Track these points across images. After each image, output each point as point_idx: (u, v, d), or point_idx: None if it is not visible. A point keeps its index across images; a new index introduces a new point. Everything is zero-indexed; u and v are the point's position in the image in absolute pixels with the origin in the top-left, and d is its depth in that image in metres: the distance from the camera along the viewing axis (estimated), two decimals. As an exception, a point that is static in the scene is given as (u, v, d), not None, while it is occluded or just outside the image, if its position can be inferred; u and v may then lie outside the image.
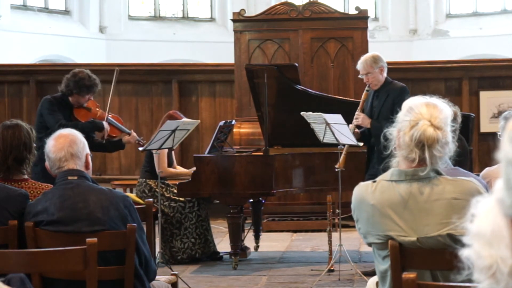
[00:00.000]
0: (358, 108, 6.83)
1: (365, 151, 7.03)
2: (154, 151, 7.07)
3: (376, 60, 6.79)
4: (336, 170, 6.63)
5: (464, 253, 1.36)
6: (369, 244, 3.05)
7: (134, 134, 7.37)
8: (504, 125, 4.77)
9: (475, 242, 1.34)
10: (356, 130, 6.82)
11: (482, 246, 1.33)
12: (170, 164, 7.69)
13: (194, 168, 7.21)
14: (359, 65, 6.84)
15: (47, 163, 3.70)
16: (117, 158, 10.92)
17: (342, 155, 6.65)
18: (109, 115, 7.27)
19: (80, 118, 7.09)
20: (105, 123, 7.11)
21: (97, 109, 7.26)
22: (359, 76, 6.90)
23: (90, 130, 6.92)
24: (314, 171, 7.31)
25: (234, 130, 8.96)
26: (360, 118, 6.79)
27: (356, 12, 9.62)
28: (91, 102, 7.21)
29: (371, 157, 6.85)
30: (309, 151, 7.38)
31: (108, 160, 10.91)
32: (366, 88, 6.83)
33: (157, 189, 7.27)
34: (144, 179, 7.58)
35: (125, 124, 10.79)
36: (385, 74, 6.85)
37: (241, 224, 7.38)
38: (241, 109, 9.51)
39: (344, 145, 6.66)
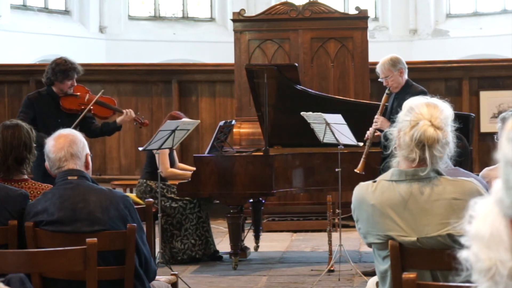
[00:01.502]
0: (378, 111, 6.67)
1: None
2: (154, 151, 7.07)
3: (394, 62, 6.64)
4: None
5: (462, 254, 1.36)
6: (369, 244, 3.05)
7: (129, 112, 7.09)
8: (502, 126, 4.77)
9: (473, 244, 1.34)
10: (378, 133, 6.67)
11: (481, 249, 1.32)
12: (172, 164, 7.69)
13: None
14: (378, 69, 6.69)
15: (47, 163, 3.70)
16: (117, 158, 10.93)
17: (362, 159, 6.57)
18: (99, 98, 7.05)
19: (68, 106, 6.94)
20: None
21: (86, 94, 7.06)
22: (379, 79, 6.78)
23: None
24: (314, 171, 7.31)
25: (234, 130, 8.96)
26: (379, 121, 6.62)
27: (356, 12, 9.61)
28: (78, 88, 7.04)
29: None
30: (309, 151, 7.37)
31: (108, 160, 10.91)
32: (386, 91, 6.67)
33: (157, 190, 7.26)
34: (144, 180, 7.57)
35: (124, 123, 10.84)
36: (405, 76, 6.68)
37: (241, 224, 7.38)
38: (241, 109, 9.51)
39: (345, 145, 6.64)
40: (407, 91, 6.60)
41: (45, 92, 6.98)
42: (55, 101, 6.94)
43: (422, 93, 6.47)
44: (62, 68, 6.88)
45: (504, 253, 1.30)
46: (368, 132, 6.66)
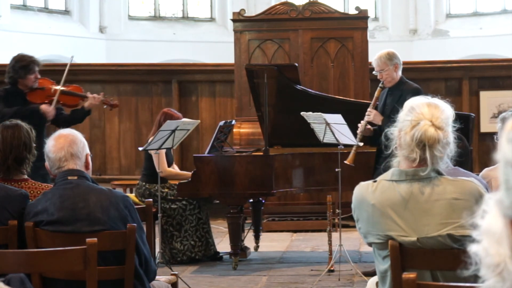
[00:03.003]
0: (371, 104, 6.76)
1: (366, 151, 7.02)
2: (154, 151, 7.07)
3: (391, 57, 6.73)
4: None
5: (472, 248, 1.36)
6: (369, 244, 3.05)
7: (95, 95, 7.14)
8: (502, 126, 4.77)
9: (484, 239, 1.34)
10: (369, 126, 6.75)
11: (491, 244, 1.33)
12: (169, 164, 7.68)
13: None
14: (374, 62, 6.79)
15: (47, 163, 3.70)
16: (117, 158, 10.93)
17: (352, 151, 6.63)
18: (64, 87, 7.10)
19: (35, 100, 6.97)
20: (42, 106, 6.85)
21: (52, 86, 7.10)
22: (373, 72, 6.86)
23: (28, 115, 6.50)
24: (314, 171, 7.31)
25: (234, 130, 8.96)
26: (372, 114, 6.70)
27: (356, 12, 9.61)
28: (44, 81, 7.08)
29: (379, 156, 6.77)
30: (309, 151, 7.37)
31: (108, 160, 10.91)
32: (380, 85, 6.76)
33: (157, 193, 7.25)
34: (143, 183, 7.56)
35: (124, 123, 10.87)
36: (400, 72, 6.76)
37: (241, 224, 7.38)
38: (241, 109, 9.50)
39: (345, 145, 6.65)
40: (400, 88, 6.69)
41: (10, 89, 6.99)
42: (22, 97, 6.96)
43: (417, 90, 6.55)
44: (22, 64, 6.92)
45: None
46: (359, 125, 6.70)
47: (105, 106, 7.44)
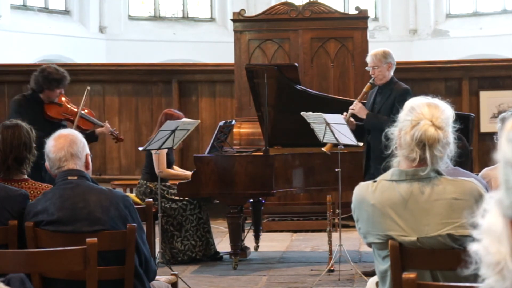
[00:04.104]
0: (358, 97, 6.80)
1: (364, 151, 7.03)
2: (154, 151, 7.07)
3: (386, 55, 6.75)
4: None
5: (472, 247, 1.36)
6: (369, 244, 3.06)
7: (108, 125, 7.32)
8: (501, 126, 4.77)
9: (484, 238, 1.34)
10: (351, 120, 6.76)
11: (492, 242, 1.33)
12: (170, 164, 7.68)
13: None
14: (368, 57, 6.79)
15: (47, 163, 3.70)
16: (117, 158, 10.93)
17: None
18: (82, 110, 7.17)
19: (51, 113, 7.01)
20: None
21: (68, 104, 7.16)
22: (366, 68, 6.85)
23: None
24: (314, 171, 7.31)
25: (234, 130, 8.96)
26: (357, 107, 6.72)
27: (356, 12, 9.61)
28: (62, 98, 7.16)
29: (369, 155, 6.78)
30: (309, 151, 7.38)
31: (108, 160, 10.91)
32: (370, 80, 6.78)
33: (157, 192, 7.26)
34: (144, 181, 7.57)
35: (124, 123, 10.87)
36: (392, 72, 6.77)
37: (241, 224, 7.38)
38: (241, 109, 9.50)
39: (345, 145, 6.65)
40: (390, 87, 6.71)
41: (30, 96, 7.02)
42: (39, 106, 6.99)
43: (406, 90, 6.62)
44: (56, 77, 6.97)
45: None
46: (343, 116, 6.71)
47: (112, 137, 7.54)
